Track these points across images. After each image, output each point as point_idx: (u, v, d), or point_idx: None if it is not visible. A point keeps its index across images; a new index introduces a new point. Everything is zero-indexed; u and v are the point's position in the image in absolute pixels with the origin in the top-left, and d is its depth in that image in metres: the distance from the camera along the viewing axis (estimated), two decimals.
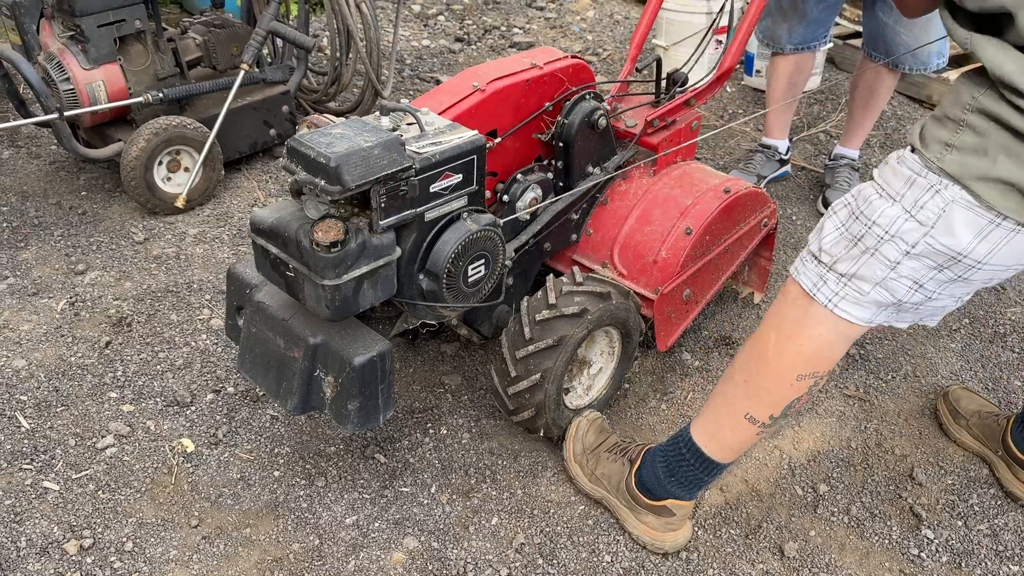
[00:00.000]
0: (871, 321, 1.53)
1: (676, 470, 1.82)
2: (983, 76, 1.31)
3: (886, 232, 1.42)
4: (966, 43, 1.30)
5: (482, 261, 1.84)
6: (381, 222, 1.63)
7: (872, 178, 1.50)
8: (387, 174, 1.57)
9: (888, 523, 2.00)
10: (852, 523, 2.00)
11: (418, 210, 1.69)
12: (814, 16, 2.99)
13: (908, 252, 1.41)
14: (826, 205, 3.18)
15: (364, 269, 1.64)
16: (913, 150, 1.40)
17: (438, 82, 4.18)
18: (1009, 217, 1.31)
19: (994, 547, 1.94)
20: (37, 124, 2.94)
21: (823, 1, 2.96)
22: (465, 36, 4.74)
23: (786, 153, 3.37)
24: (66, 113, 2.83)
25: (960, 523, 2.00)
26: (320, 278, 1.60)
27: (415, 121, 1.73)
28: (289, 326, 1.76)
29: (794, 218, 3.20)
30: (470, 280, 1.84)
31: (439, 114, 1.89)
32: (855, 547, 1.94)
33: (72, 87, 2.86)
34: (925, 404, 2.33)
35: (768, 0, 2.59)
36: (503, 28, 4.90)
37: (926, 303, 1.49)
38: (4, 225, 2.96)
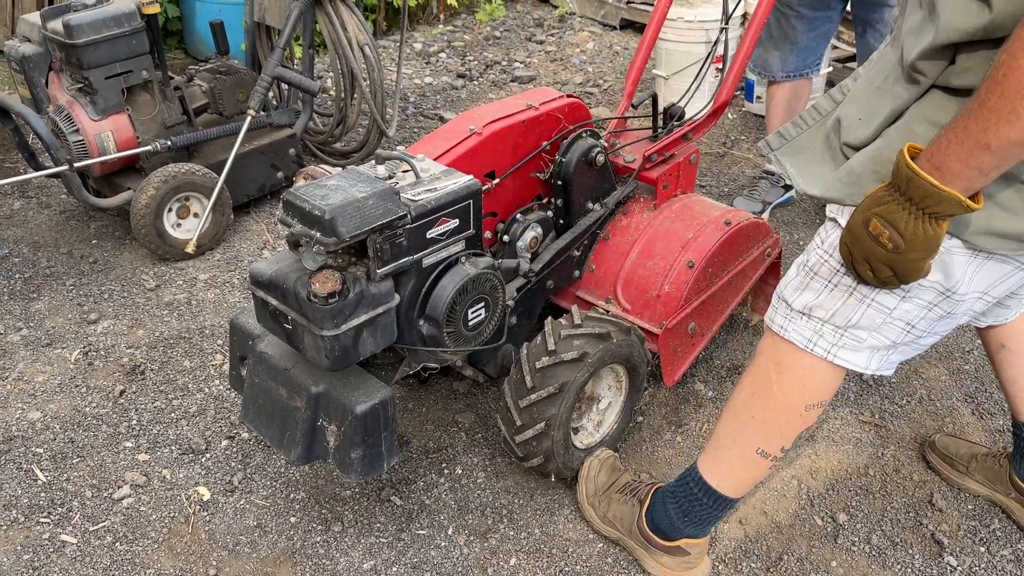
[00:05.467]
0: (867, 367, 1.53)
1: (690, 510, 1.81)
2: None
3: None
4: None
5: (482, 304, 1.84)
6: (379, 270, 1.64)
7: (834, 223, 1.47)
8: (382, 223, 1.58)
9: (910, 551, 1.98)
10: (873, 552, 1.98)
11: (415, 256, 1.70)
12: (805, 44, 3.01)
13: (903, 296, 1.42)
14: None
15: (363, 318, 1.64)
16: None
17: (442, 119, 4.22)
18: (997, 253, 1.34)
19: (1018, 573, 1.92)
20: (48, 176, 2.97)
21: (813, 29, 2.99)
22: (467, 72, 4.79)
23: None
24: (76, 164, 2.87)
25: (983, 549, 1.98)
26: (319, 329, 1.59)
27: (410, 168, 1.75)
28: (291, 376, 1.75)
29: (801, 243, 3.20)
30: (470, 324, 1.84)
31: (436, 159, 1.90)
32: None
33: (81, 138, 2.90)
34: (941, 428, 2.32)
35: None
36: (504, 63, 4.95)
37: (914, 342, 1.52)
38: (17, 276, 2.99)
